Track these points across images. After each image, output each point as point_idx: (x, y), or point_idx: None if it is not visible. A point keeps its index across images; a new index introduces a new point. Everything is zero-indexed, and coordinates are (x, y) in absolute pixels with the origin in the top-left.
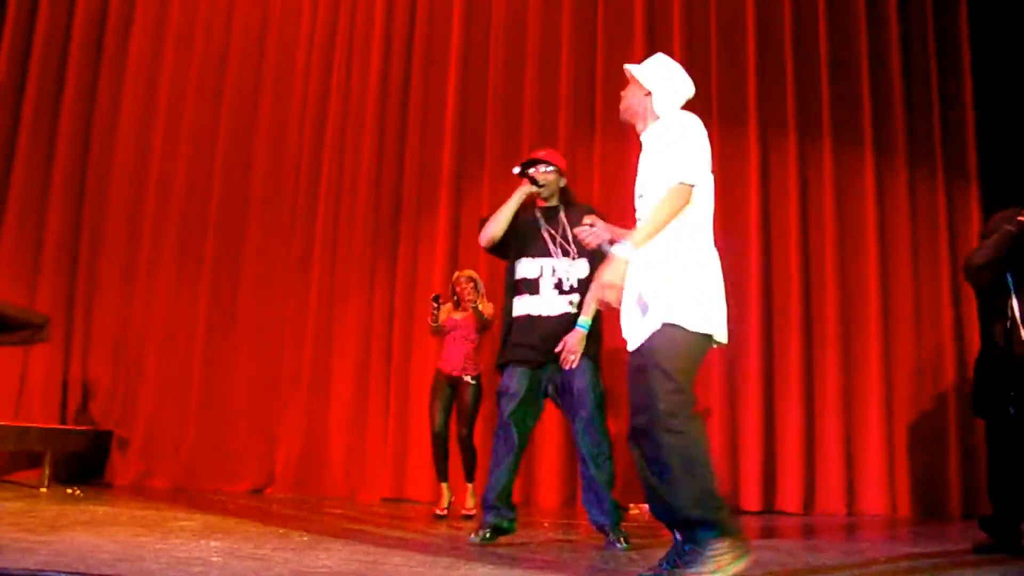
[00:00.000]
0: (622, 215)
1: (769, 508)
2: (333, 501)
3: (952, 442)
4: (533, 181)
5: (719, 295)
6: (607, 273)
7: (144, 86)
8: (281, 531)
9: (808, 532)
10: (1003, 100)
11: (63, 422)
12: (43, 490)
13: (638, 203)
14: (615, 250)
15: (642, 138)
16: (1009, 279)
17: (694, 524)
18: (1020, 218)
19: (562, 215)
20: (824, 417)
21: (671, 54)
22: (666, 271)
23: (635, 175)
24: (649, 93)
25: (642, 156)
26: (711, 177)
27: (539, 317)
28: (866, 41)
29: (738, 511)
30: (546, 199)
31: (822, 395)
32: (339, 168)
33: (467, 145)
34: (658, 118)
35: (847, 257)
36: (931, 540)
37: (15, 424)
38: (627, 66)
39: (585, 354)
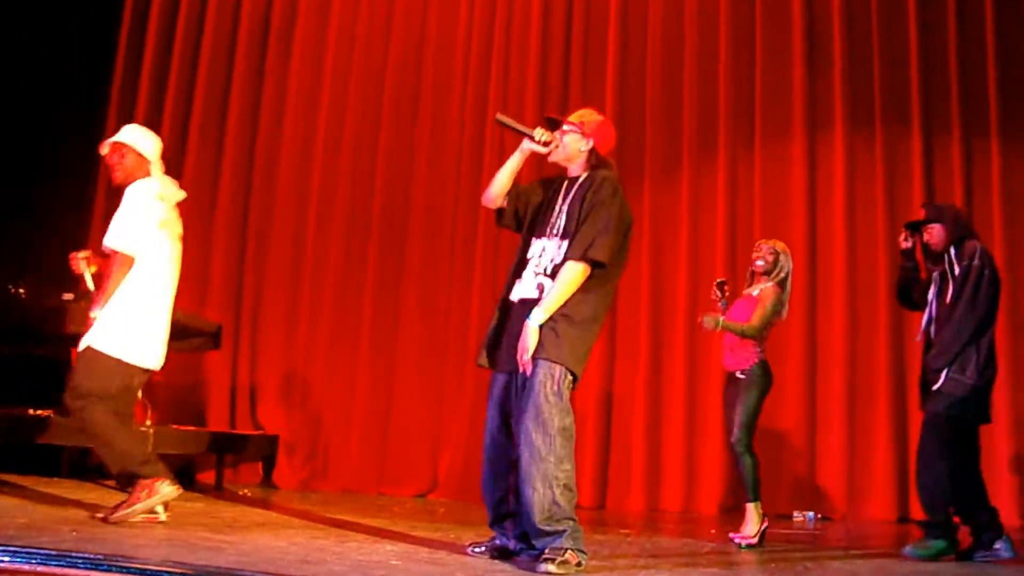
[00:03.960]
0: (784, 221)
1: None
2: None
3: None
4: (530, 137)
5: (147, 334)
6: None
7: (307, 95)
8: (452, 536)
9: None
10: None
11: (233, 427)
12: (216, 492)
13: None
14: None
15: None
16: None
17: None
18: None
19: (576, 185)
20: None
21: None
22: (113, 311)
23: (796, 183)
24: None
25: None
26: (158, 240)
27: (518, 302)
28: None
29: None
30: (565, 165)
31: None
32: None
33: (626, 149)
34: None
35: (1017, 261)
36: None
37: (190, 428)
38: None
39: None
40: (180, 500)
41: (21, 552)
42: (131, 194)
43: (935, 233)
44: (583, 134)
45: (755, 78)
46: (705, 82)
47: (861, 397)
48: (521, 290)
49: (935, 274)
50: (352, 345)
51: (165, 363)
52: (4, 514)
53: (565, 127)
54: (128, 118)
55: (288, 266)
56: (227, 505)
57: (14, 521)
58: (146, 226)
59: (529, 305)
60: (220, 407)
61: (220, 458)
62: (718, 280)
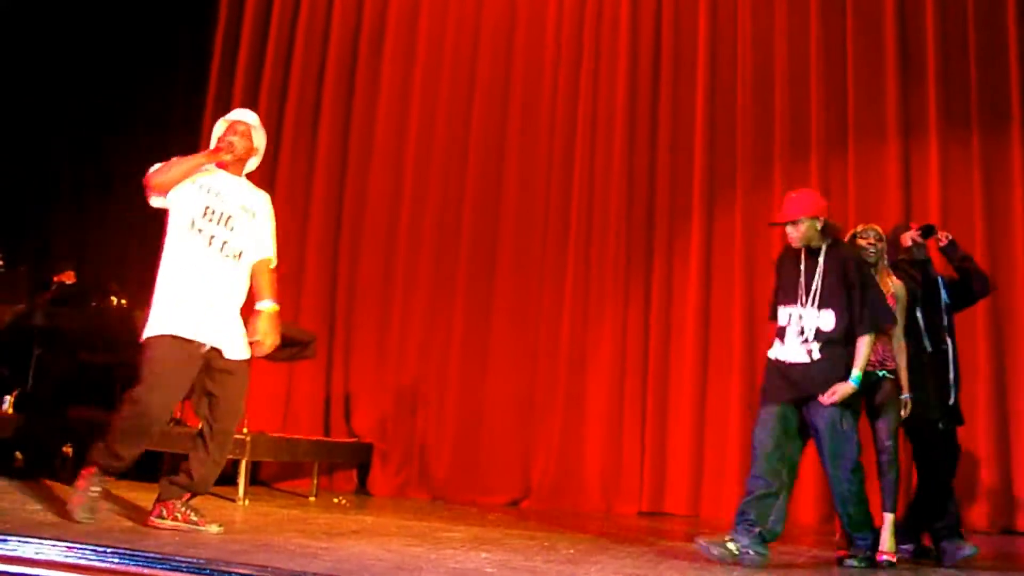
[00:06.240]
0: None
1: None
2: (589, 515)
3: None
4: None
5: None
6: None
7: (397, 102)
8: (546, 544)
9: None
10: None
11: (327, 435)
12: (312, 499)
13: None
14: None
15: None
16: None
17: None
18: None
19: (821, 259)
20: None
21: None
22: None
23: (890, 190)
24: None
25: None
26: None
27: (787, 364)
28: None
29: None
30: (806, 245)
31: None
32: (590, 183)
33: (718, 156)
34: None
35: None
36: None
37: (286, 436)
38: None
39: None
40: (276, 507)
41: (127, 555)
42: (270, 205)
43: None
44: (810, 216)
45: (847, 81)
46: (796, 88)
47: None
48: (788, 354)
49: None
50: (444, 352)
51: (262, 371)
52: (112, 518)
53: (799, 221)
54: None
55: (380, 275)
56: (322, 512)
57: (121, 524)
58: None
59: (800, 368)
60: (314, 415)
61: (317, 466)
62: None
